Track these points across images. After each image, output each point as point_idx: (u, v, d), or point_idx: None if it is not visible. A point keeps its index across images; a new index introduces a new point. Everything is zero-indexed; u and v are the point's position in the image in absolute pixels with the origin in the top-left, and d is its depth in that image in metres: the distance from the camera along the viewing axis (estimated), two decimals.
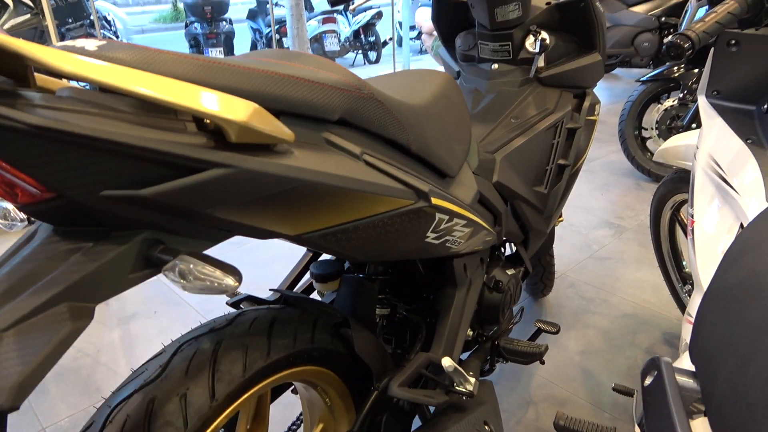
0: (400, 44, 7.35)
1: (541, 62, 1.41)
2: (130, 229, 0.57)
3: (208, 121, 0.57)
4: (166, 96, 0.51)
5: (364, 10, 7.67)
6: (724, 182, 1.10)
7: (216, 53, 6.89)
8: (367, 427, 0.95)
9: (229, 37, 7.54)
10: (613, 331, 1.89)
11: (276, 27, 6.71)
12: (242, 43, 8.63)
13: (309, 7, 8.18)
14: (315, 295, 1.18)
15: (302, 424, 1.22)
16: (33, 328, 0.49)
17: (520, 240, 1.40)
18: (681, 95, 3.01)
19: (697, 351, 0.49)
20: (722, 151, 1.13)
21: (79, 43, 0.55)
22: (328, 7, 7.66)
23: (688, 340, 1.03)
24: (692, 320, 1.09)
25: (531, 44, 1.40)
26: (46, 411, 1.59)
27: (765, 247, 0.50)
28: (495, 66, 1.45)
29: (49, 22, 3.47)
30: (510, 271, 1.31)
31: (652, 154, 3.22)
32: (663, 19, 4.00)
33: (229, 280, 0.58)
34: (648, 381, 0.51)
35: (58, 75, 0.52)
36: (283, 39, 7.19)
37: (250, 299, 1.00)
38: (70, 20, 5.43)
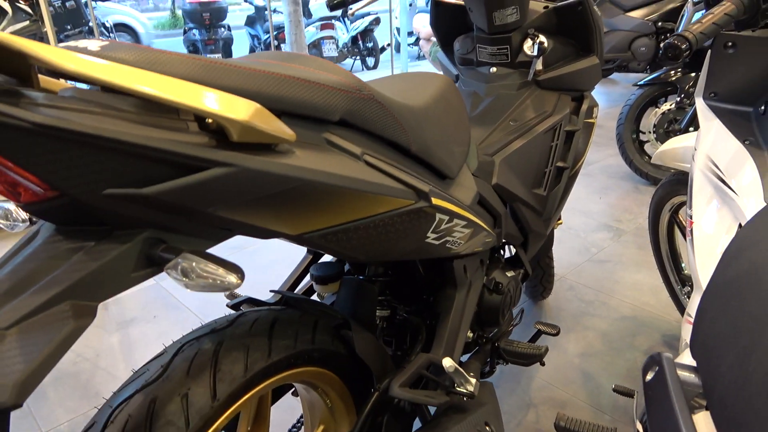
0: (398, 50, 7.39)
1: (539, 65, 1.42)
2: (132, 228, 0.58)
3: (210, 120, 0.58)
4: (168, 95, 0.51)
5: (362, 16, 7.71)
6: (722, 183, 1.11)
7: None
8: (368, 429, 0.95)
9: (228, 43, 7.56)
10: (613, 334, 1.89)
11: (274, 33, 6.73)
12: (241, 50, 8.65)
13: (307, 14, 8.21)
14: (315, 298, 1.19)
15: (303, 426, 1.22)
16: (35, 327, 0.50)
17: (519, 242, 1.40)
18: (678, 99, 3.02)
19: (698, 346, 0.49)
20: (720, 152, 1.14)
21: (82, 43, 0.56)
22: (326, 14, 7.70)
23: (688, 340, 1.03)
24: (692, 320, 1.10)
25: (529, 48, 1.41)
26: (45, 415, 1.59)
27: (764, 244, 0.51)
28: (493, 69, 1.46)
29: (48, 28, 3.48)
30: (510, 273, 1.31)
31: (650, 158, 3.23)
32: (660, 24, 4.02)
33: (232, 278, 0.58)
34: (649, 376, 0.51)
35: (61, 74, 0.52)
36: (282, 45, 7.21)
37: (251, 301, 1.00)
38: (69, 27, 5.44)
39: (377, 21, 7.64)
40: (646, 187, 3.18)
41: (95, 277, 0.54)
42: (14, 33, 4.14)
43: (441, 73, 1.70)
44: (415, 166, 0.90)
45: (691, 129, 2.64)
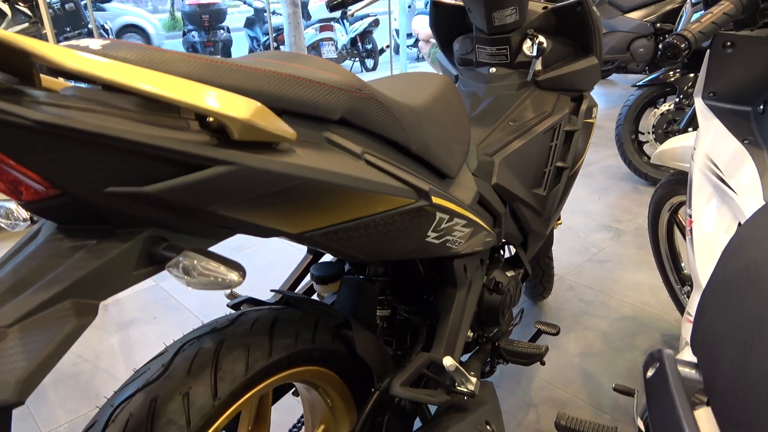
0: (397, 52, 7.39)
1: (538, 66, 1.42)
2: (134, 227, 0.58)
3: (211, 119, 0.58)
4: (169, 93, 0.52)
5: (361, 18, 7.72)
6: (721, 182, 1.11)
7: None
8: (369, 428, 0.95)
9: (227, 45, 7.58)
10: (613, 334, 1.89)
11: (273, 35, 6.75)
12: (240, 52, 8.66)
13: (306, 16, 8.23)
14: (315, 298, 1.19)
15: (303, 426, 1.22)
16: (37, 324, 0.50)
17: (519, 242, 1.40)
18: (677, 99, 3.03)
19: (698, 342, 0.49)
20: (719, 151, 1.14)
21: (83, 42, 0.56)
22: (325, 15, 7.70)
23: (688, 339, 1.04)
24: (692, 319, 1.10)
25: (528, 48, 1.41)
26: (45, 417, 1.59)
27: (763, 241, 0.51)
28: (493, 70, 1.46)
29: (48, 30, 3.48)
30: (509, 273, 1.31)
31: (649, 158, 3.24)
32: (658, 25, 4.03)
33: (233, 275, 0.58)
34: (650, 373, 0.51)
35: (63, 73, 0.52)
36: (281, 47, 7.22)
37: (251, 301, 1.00)
38: (68, 29, 5.45)
39: (376, 23, 7.65)
40: (645, 187, 3.18)
41: (97, 275, 0.54)
42: None
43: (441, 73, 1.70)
44: (415, 165, 0.90)
45: (690, 129, 2.65)
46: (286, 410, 1.58)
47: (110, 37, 7.13)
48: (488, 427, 1.01)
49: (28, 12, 4.38)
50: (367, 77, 7.39)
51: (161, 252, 0.58)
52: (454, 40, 1.57)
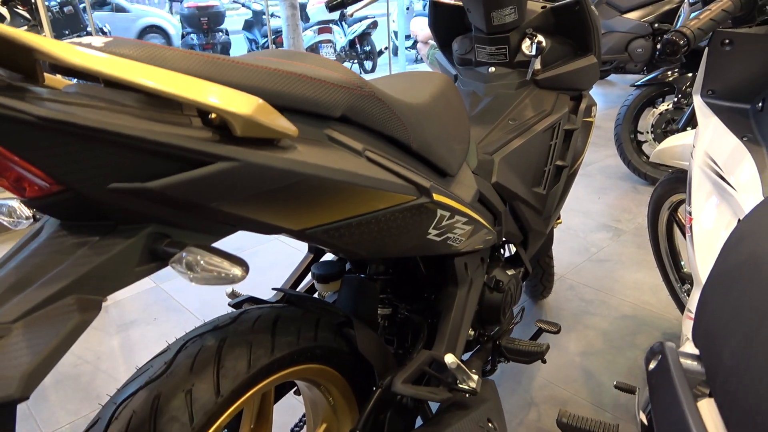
0: (395, 53, 7.40)
1: (537, 65, 1.43)
2: (137, 223, 0.58)
3: (213, 116, 0.58)
4: (172, 89, 0.52)
5: (360, 20, 7.73)
6: (721, 179, 1.12)
7: None
8: (371, 426, 0.95)
9: (226, 47, 7.58)
10: (613, 332, 1.89)
11: (272, 37, 6.76)
12: (238, 54, 8.65)
13: (305, 18, 8.23)
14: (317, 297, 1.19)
15: (305, 425, 1.22)
16: (41, 320, 0.50)
17: (519, 241, 1.41)
18: (676, 99, 3.03)
19: (700, 334, 0.49)
20: (719, 148, 1.15)
21: (86, 39, 0.56)
22: (324, 17, 7.71)
23: (689, 335, 1.04)
24: (692, 316, 1.10)
25: (527, 47, 1.41)
26: (46, 418, 1.59)
27: (763, 233, 0.51)
28: (492, 69, 1.47)
29: (47, 33, 3.49)
30: (510, 272, 1.32)
31: (648, 158, 3.24)
32: (656, 25, 4.04)
33: (237, 270, 0.58)
34: (653, 365, 0.51)
35: (66, 69, 0.52)
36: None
37: (252, 300, 1.00)
38: (67, 32, 5.46)
39: (375, 24, 7.66)
40: (645, 187, 3.19)
41: (100, 271, 0.54)
42: None
43: None
44: (415, 163, 0.91)
45: (688, 129, 2.65)
46: (288, 410, 1.58)
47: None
48: (490, 424, 1.01)
49: (27, 15, 4.38)
50: (366, 78, 7.39)
51: (164, 248, 0.58)
52: (453, 40, 1.57)
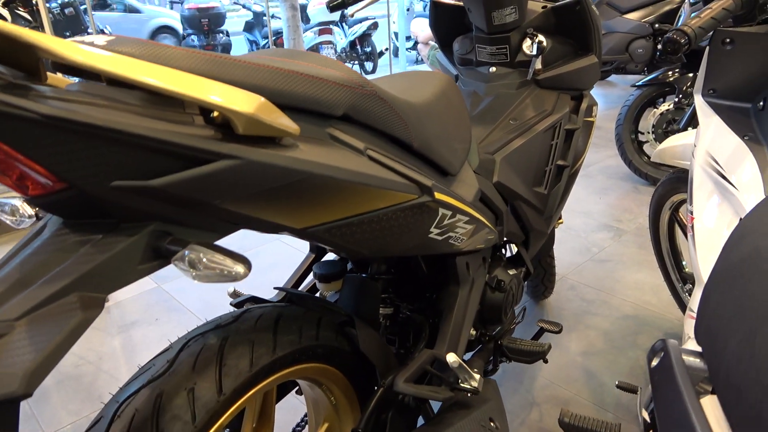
0: (396, 54, 7.40)
1: (538, 65, 1.43)
2: (139, 221, 0.58)
3: (215, 114, 0.58)
4: (175, 87, 0.52)
5: (360, 21, 7.73)
6: (722, 178, 1.12)
7: None
8: (373, 425, 0.95)
9: (226, 49, 7.59)
10: (615, 333, 1.89)
11: (273, 39, 6.76)
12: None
13: (305, 19, 8.24)
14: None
15: (307, 425, 1.22)
16: (44, 318, 0.50)
17: (520, 240, 1.41)
18: (676, 99, 3.03)
19: (702, 330, 0.49)
20: (720, 148, 1.15)
21: (88, 38, 0.56)
22: (324, 19, 7.72)
23: (691, 334, 1.04)
24: (694, 315, 1.10)
25: (528, 47, 1.41)
26: (48, 418, 1.59)
27: (765, 230, 0.51)
28: (493, 69, 1.47)
29: (48, 34, 3.49)
30: (512, 271, 1.32)
31: (649, 158, 3.24)
32: (657, 25, 4.04)
33: (239, 268, 0.58)
34: (655, 362, 0.51)
35: (68, 69, 0.53)
36: None
37: (254, 300, 1.00)
38: (68, 33, 5.47)
39: (375, 26, 7.66)
40: (646, 187, 3.19)
41: (102, 269, 0.54)
42: None
43: None
44: (417, 162, 0.91)
45: (689, 129, 2.64)
46: (290, 410, 1.58)
47: None
48: (492, 424, 1.01)
49: (28, 16, 4.40)
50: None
51: (167, 246, 0.58)
52: (453, 40, 1.57)
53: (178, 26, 8.84)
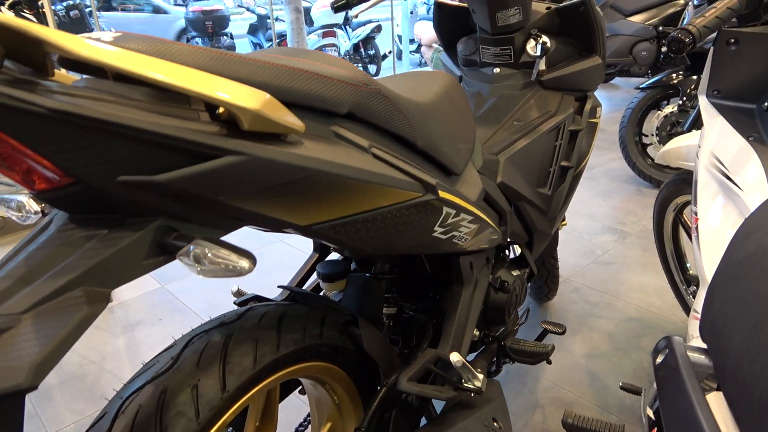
0: (399, 57, 7.42)
1: (542, 66, 1.43)
2: (145, 217, 0.58)
3: (220, 110, 0.58)
4: (181, 83, 0.52)
5: (364, 23, 7.75)
6: (727, 179, 1.11)
7: None
8: (376, 424, 0.95)
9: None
10: (618, 335, 1.89)
11: (277, 41, 6.78)
12: None
13: (309, 22, 8.27)
14: None
15: (310, 425, 1.22)
16: (50, 311, 0.50)
17: (524, 241, 1.41)
18: (680, 101, 3.03)
19: (707, 327, 0.49)
20: (724, 148, 1.14)
21: (95, 34, 0.57)
22: (328, 21, 7.73)
23: (695, 336, 1.03)
24: (699, 316, 1.10)
25: (532, 48, 1.41)
26: (51, 417, 1.59)
27: None
28: (497, 70, 1.47)
29: None
30: (515, 272, 1.31)
31: (653, 161, 3.24)
32: (660, 28, 4.03)
33: (244, 263, 0.58)
34: (660, 359, 0.51)
35: (74, 65, 0.53)
36: None
37: (258, 299, 1.00)
38: None
39: (379, 28, 7.68)
40: (650, 189, 3.18)
41: (108, 264, 0.54)
42: None
43: None
44: (421, 160, 0.91)
45: (694, 131, 2.64)
46: (293, 410, 1.58)
47: None
48: (495, 424, 1.01)
49: (34, 19, 4.42)
50: None
51: (172, 241, 0.58)
52: (457, 41, 1.57)
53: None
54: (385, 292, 1.15)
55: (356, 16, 1.63)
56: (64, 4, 5.98)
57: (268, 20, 7.00)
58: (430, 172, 0.90)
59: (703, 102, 1.25)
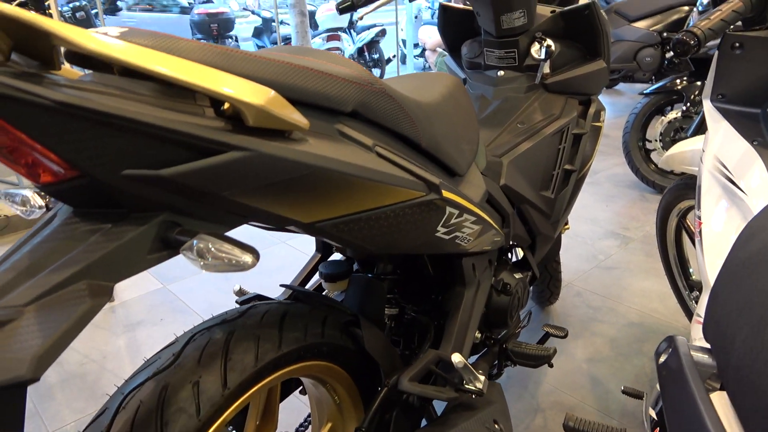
0: (403, 61, 7.43)
1: (546, 69, 1.43)
2: (149, 211, 0.58)
3: (226, 106, 0.58)
4: (186, 77, 0.52)
5: (368, 27, 7.77)
6: (731, 183, 1.11)
7: None
8: (377, 425, 0.95)
9: None
10: (620, 340, 1.88)
11: (281, 44, 6.80)
12: None
13: (314, 25, 8.29)
14: None
15: (310, 425, 1.21)
16: (53, 304, 0.50)
17: (527, 244, 1.40)
18: (684, 107, 3.03)
19: (711, 327, 0.49)
20: (729, 152, 1.14)
21: (102, 29, 0.57)
22: (332, 25, 7.76)
23: (698, 339, 1.03)
24: (701, 320, 1.09)
25: (536, 51, 1.42)
26: (51, 416, 1.59)
27: None
28: (501, 73, 1.47)
29: None
30: (517, 275, 1.31)
31: (656, 166, 3.23)
32: (665, 34, 4.03)
33: (248, 257, 0.58)
34: (663, 358, 0.51)
35: (81, 60, 0.53)
36: None
37: (260, 298, 1.00)
38: None
39: (383, 32, 7.70)
40: (653, 195, 3.18)
41: (112, 257, 0.54)
42: None
43: None
44: (425, 160, 0.91)
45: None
46: (294, 410, 1.58)
47: None
48: (496, 426, 1.00)
49: None
50: None
51: (175, 236, 0.58)
52: (462, 44, 1.58)
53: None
54: (387, 293, 1.15)
55: (361, 18, 1.64)
56: (71, 5, 6.02)
57: (273, 23, 7.02)
58: (433, 172, 0.90)
59: (708, 106, 1.25)
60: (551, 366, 1.35)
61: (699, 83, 2.99)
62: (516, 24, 1.38)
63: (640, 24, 4.07)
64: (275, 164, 0.61)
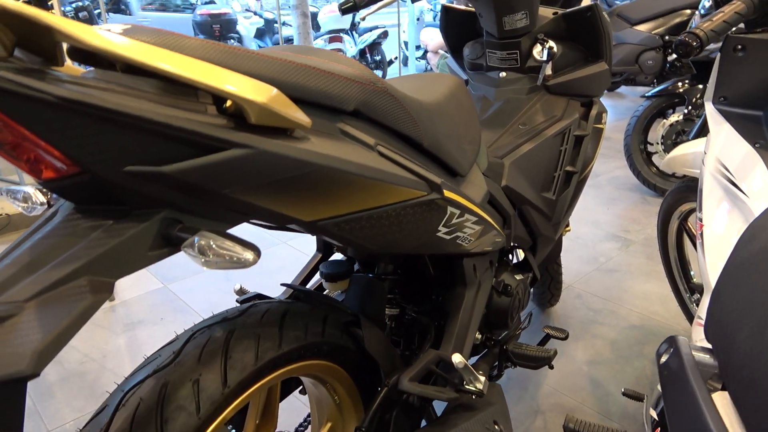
0: (405, 63, 7.44)
1: (548, 70, 1.43)
2: (150, 208, 0.58)
3: (228, 104, 0.59)
4: (189, 74, 0.52)
5: (370, 29, 7.78)
6: (733, 186, 1.11)
7: None
8: (376, 425, 0.94)
9: None
10: (621, 342, 1.88)
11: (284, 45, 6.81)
12: None
13: (316, 27, 8.30)
14: None
15: (310, 425, 1.21)
16: (54, 300, 0.50)
17: (528, 246, 1.40)
18: (686, 110, 3.03)
19: (712, 328, 0.49)
20: (730, 155, 1.14)
21: (106, 26, 0.57)
22: (334, 27, 7.77)
23: (699, 341, 1.03)
24: (702, 322, 1.09)
25: (538, 53, 1.42)
26: (51, 414, 1.59)
27: None
28: (503, 74, 1.47)
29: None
30: (518, 276, 1.31)
31: (658, 169, 3.23)
32: (667, 37, 4.03)
33: (249, 254, 0.58)
34: (664, 358, 0.50)
35: (83, 56, 0.53)
36: None
37: (260, 297, 1.00)
38: None
39: (385, 34, 7.71)
40: (654, 198, 3.17)
41: (113, 254, 0.54)
42: None
43: None
44: (426, 160, 0.91)
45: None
46: (293, 410, 1.58)
47: None
48: (496, 427, 1.00)
49: None
50: None
51: (177, 233, 0.58)
52: (464, 45, 1.58)
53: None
54: (388, 293, 1.15)
55: (363, 19, 1.64)
56: (74, 5, 6.03)
57: (276, 25, 7.03)
58: (435, 172, 0.90)
59: (710, 109, 1.25)
60: (551, 368, 1.35)
61: (701, 86, 3.00)
62: (518, 25, 1.39)
63: (642, 27, 4.07)
64: (277, 162, 0.61)
